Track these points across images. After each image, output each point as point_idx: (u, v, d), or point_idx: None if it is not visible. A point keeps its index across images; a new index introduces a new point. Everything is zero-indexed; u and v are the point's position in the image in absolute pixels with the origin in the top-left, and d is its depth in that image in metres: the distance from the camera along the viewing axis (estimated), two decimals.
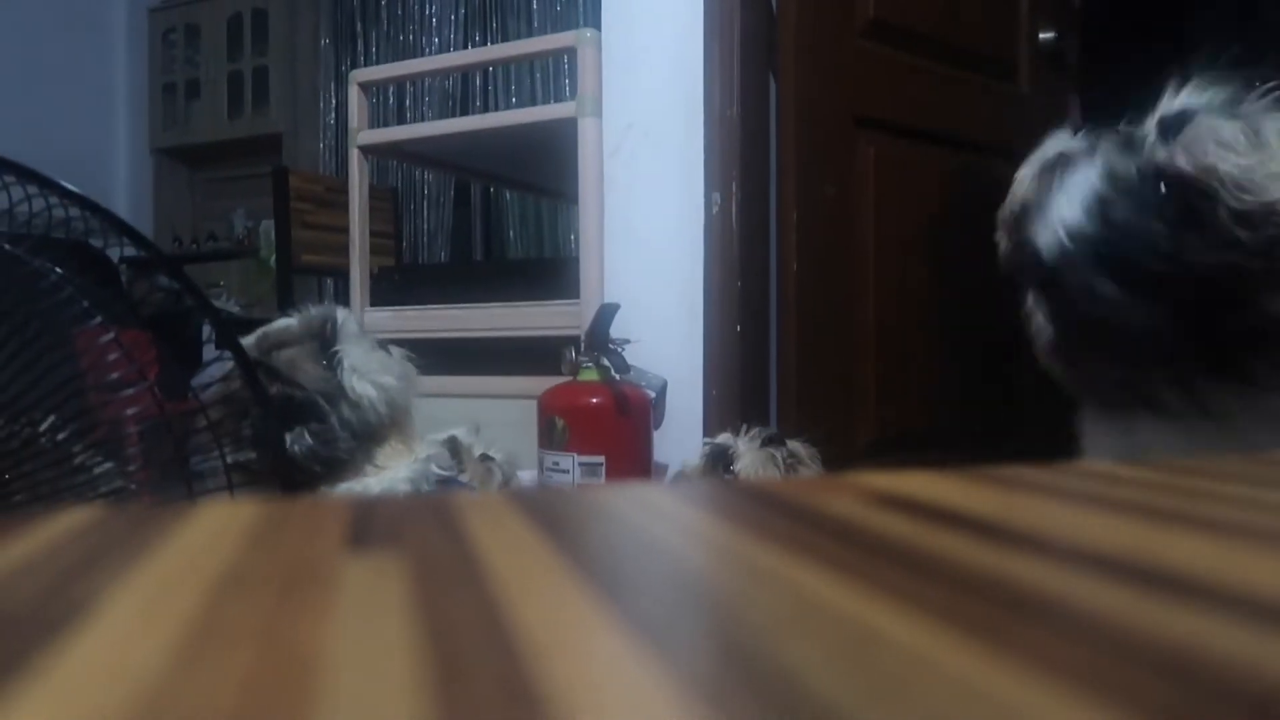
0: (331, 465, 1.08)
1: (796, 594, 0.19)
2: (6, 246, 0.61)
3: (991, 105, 1.84)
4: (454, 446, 1.18)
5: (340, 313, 1.19)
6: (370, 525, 0.26)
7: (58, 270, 0.68)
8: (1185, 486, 0.31)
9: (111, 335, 0.64)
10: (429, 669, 0.15)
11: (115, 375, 0.72)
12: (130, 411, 0.71)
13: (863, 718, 0.13)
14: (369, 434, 1.12)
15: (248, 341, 1.14)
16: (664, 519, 0.27)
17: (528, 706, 0.13)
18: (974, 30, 1.81)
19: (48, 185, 0.68)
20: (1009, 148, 1.89)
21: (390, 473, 1.13)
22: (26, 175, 0.69)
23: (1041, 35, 1.91)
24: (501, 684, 0.14)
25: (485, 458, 1.21)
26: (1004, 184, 1.96)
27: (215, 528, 0.26)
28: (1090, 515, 0.27)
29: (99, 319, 0.66)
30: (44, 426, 0.65)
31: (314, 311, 1.18)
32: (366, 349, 1.16)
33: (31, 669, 0.15)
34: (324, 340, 1.14)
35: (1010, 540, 0.23)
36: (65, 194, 0.65)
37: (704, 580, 0.21)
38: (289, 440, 1.02)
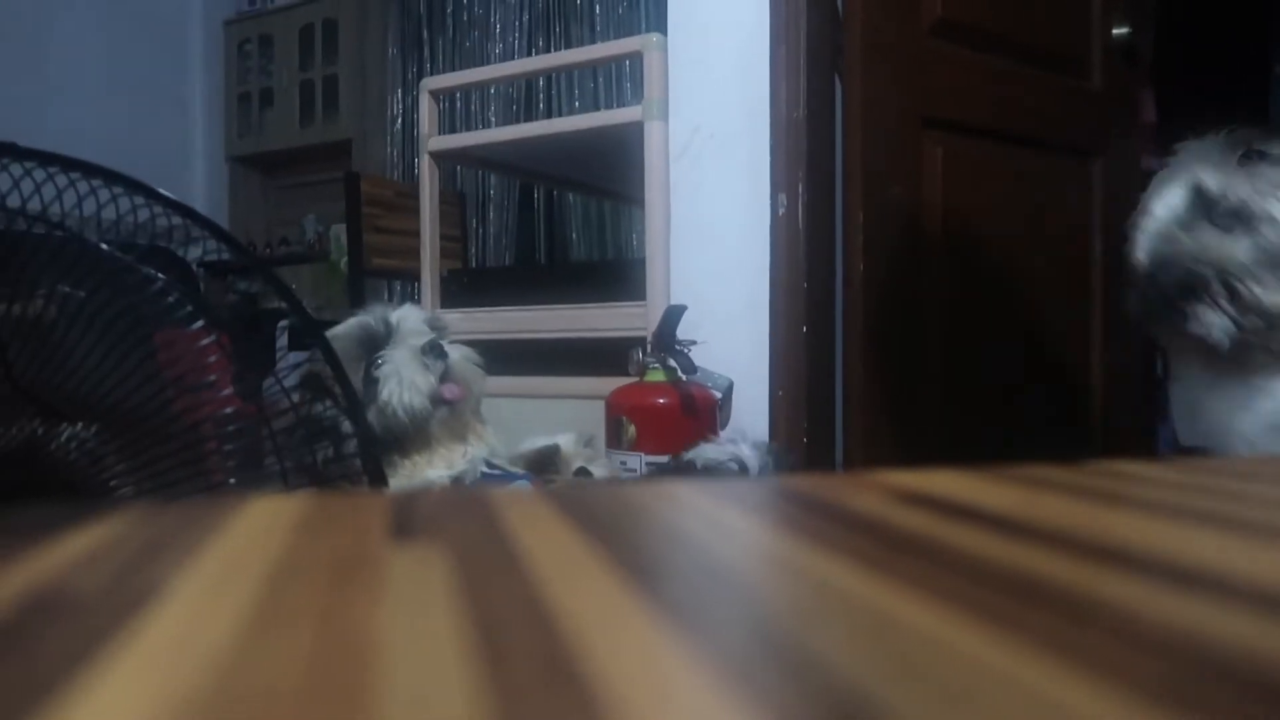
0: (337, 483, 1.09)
1: (821, 583, 0.20)
2: (119, 255, 0.65)
3: (1063, 103, 1.81)
4: (552, 454, 1.16)
5: (400, 314, 1.18)
6: (412, 518, 0.27)
7: (161, 276, 0.72)
8: (1199, 484, 0.31)
9: (213, 338, 0.68)
10: (475, 650, 0.15)
11: (212, 377, 0.76)
12: (228, 410, 0.75)
13: (882, 696, 0.13)
14: (390, 443, 1.10)
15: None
16: (695, 514, 0.28)
17: (569, 684, 0.14)
18: (1045, 27, 1.78)
19: (152, 195, 0.71)
20: (1081, 146, 1.86)
21: (426, 471, 1.13)
22: (132, 186, 0.72)
23: (1115, 31, 1.88)
24: (544, 664, 0.15)
25: (582, 471, 1.19)
26: (1075, 182, 1.92)
27: (268, 520, 0.27)
28: (1106, 511, 0.27)
29: (200, 323, 0.70)
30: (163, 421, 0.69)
31: (370, 318, 1.17)
32: (410, 357, 1.14)
33: (107, 648, 0.16)
34: (373, 345, 1.13)
35: (1028, 535, 0.24)
36: (169, 203, 0.69)
37: (734, 570, 0.21)
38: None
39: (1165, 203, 0.92)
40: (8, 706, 0.13)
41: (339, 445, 0.92)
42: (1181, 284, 0.86)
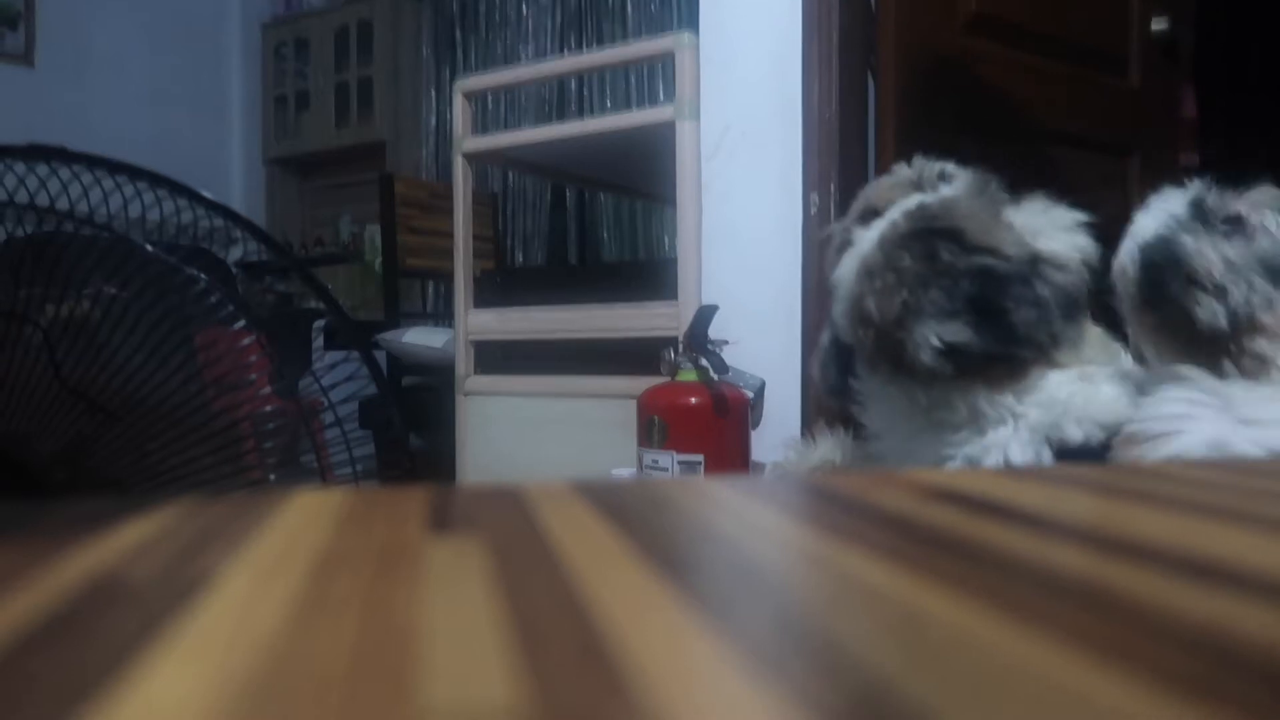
0: (1048, 340, 0.81)
1: (848, 576, 0.20)
2: (164, 256, 0.66)
3: (1101, 100, 1.79)
4: None
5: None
6: (448, 511, 0.28)
7: (204, 277, 0.74)
8: (1224, 481, 0.31)
9: (254, 338, 0.69)
10: (512, 636, 0.16)
11: (252, 376, 0.78)
12: (267, 409, 0.76)
13: (907, 686, 0.14)
14: (1068, 313, 0.81)
15: (896, 218, 0.88)
16: (724, 509, 0.28)
17: (602, 669, 0.14)
18: (1082, 22, 1.76)
19: (195, 198, 0.73)
20: (1117, 143, 1.83)
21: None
22: (176, 189, 0.74)
23: (1154, 25, 1.85)
24: (578, 649, 0.15)
25: None
26: (1113, 181, 1.90)
27: (312, 513, 0.28)
28: (1130, 508, 0.27)
29: (241, 323, 0.71)
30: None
31: (970, 173, 0.91)
32: (1039, 209, 0.87)
33: (164, 633, 0.17)
34: (992, 198, 0.87)
35: (1053, 531, 0.24)
36: (211, 206, 0.70)
37: (762, 564, 0.22)
38: (1012, 310, 0.78)
39: (1164, 208, 0.89)
40: (73, 687, 0.14)
41: None
42: (1186, 275, 0.85)
